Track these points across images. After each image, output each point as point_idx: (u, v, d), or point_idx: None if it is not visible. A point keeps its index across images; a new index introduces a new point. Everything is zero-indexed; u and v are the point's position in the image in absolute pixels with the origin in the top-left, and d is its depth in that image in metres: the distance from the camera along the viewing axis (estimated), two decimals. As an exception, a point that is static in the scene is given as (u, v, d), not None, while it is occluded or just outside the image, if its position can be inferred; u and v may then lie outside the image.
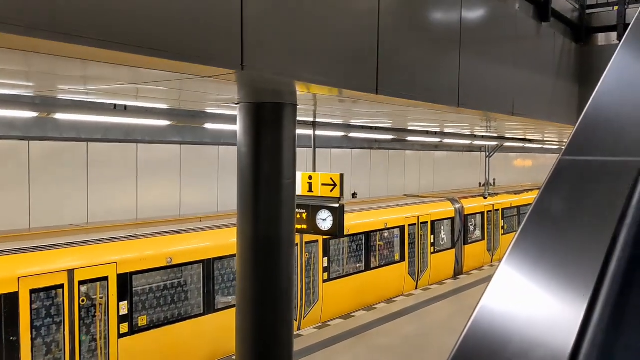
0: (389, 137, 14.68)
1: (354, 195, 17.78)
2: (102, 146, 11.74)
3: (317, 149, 15.62)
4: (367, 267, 13.32)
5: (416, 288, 14.93)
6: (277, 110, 4.72)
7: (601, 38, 7.93)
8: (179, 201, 13.19)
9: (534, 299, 0.48)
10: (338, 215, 8.66)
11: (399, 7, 4.44)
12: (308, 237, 11.16)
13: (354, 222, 13.26)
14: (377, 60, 4.08)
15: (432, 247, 15.74)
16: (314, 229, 8.77)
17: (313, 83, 3.58)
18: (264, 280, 4.72)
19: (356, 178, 18.20)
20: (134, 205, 12.52)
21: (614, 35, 7.51)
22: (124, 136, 11.87)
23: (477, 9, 5.53)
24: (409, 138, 15.64)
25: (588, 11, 7.84)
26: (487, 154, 16.74)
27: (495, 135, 11.68)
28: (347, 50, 3.89)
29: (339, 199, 8.70)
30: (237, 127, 4.83)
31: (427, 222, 15.52)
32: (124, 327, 8.41)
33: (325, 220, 8.75)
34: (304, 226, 8.89)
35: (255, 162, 4.76)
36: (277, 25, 3.23)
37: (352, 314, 12.55)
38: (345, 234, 12.75)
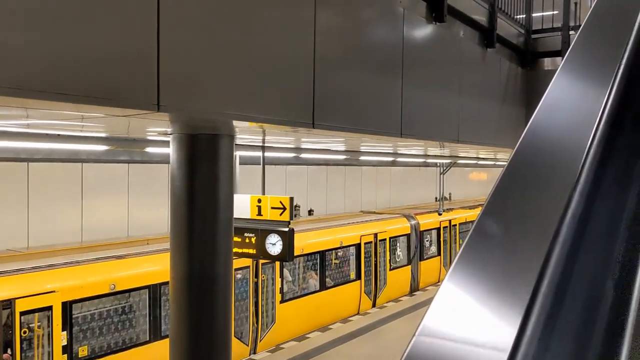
0: (342, 157, 14.60)
1: (310, 212, 17.62)
2: (44, 166, 11.25)
3: (272, 166, 15.41)
4: (323, 287, 13.14)
5: (374, 306, 14.84)
6: (212, 142, 4.51)
7: (547, 62, 8.03)
8: (127, 222, 12.74)
9: (471, 318, 0.49)
10: (288, 239, 8.47)
11: (336, 37, 4.31)
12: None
13: (310, 241, 13.09)
14: (312, 92, 3.93)
15: (389, 265, 15.69)
16: (263, 254, 8.55)
17: (241, 120, 3.39)
18: (199, 323, 4.47)
19: (313, 194, 18.05)
20: (78, 226, 12.03)
21: (559, 59, 7.59)
22: (68, 156, 11.40)
23: (420, 37, 5.46)
24: (362, 158, 15.61)
25: (534, 36, 7.93)
26: (441, 170, 16.85)
27: (448, 154, 11.73)
28: (278, 84, 3.72)
29: (289, 222, 8.51)
30: (170, 160, 4.59)
31: (383, 240, 15.47)
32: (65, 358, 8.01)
33: (274, 245, 8.55)
34: (253, 251, 8.66)
35: (190, 196, 4.53)
36: (198, 61, 3.04)
37: (307, 335, 12.33)
38: (301, 253, 12.58)
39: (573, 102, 0.74)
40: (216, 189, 4.58)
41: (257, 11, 3.50)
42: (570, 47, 0.85)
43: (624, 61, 0.76)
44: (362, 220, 15.73)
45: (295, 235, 12.71)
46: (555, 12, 8.01)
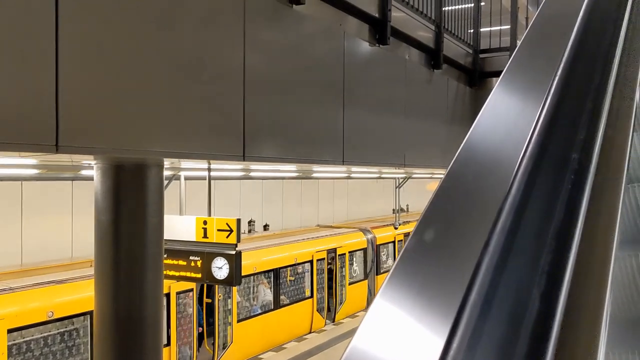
0: (294, 174, 14.40)
1: (265, 227, 17.31)
2: (-21, 185, 10.65)
3: (226, 180, 15.05)
4: (277, 306, 12.87)
5: (334, 321, 14.65)
6: (139, 172, 4.22)
7: (495, 82, 7.99)
8: (70, 243, 12.19)
9: (399, 337, 0.49)
10: (235, 262, 8.18)
11: (269, 60, 4.09)
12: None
13: (265, 259, 12.80)
14: (242, 121, 3.70)
15: (345, 280, 15.53)
16: (209, 278, 8.24)
17: (158, 156, 3.13)
18: (124, 367, 4.16)
19: (268, 208, 17.74)
20: (18, 247, 11.43)
21: (507, 78, 7.54)
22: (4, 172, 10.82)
23: (363, 60, 5.30)
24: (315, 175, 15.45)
25: (482, 55, 7.91)
26: (397, 184, 16.83)
27: (402, 171, 11.66)
28: (201, 113, 3.48)
29: (236, 245, 8.23)
30: (94, 191, 4.27)
31: (341, 255, 15.32)
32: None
33: (221, 269, 8.24)
34: (199, 275, 8.34)
35: (115, 231, 4.22)
36: (103, 96, 2.77)
37: (260, 356, 12.03)
38: (253, 272, 12.28)
39: (507, 119, 0.76)
40: (144, 222, 4.29)
41: (174, 34, 3.26)
42: (507, 65, 0.87)
43: (556, 79, 0.78)
44: (318, 235, 15.52)
45: (248, 253, 12.46)
46: (506, 27, 8.01)
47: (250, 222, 16.79)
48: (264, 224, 17.35)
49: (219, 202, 15.02)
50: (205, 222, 8.38)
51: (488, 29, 8.00)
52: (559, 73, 0.81)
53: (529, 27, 0.99)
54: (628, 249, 1.11)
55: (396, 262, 0.56)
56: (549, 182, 0.64)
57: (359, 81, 5.21)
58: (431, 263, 0.56)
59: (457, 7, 7.37)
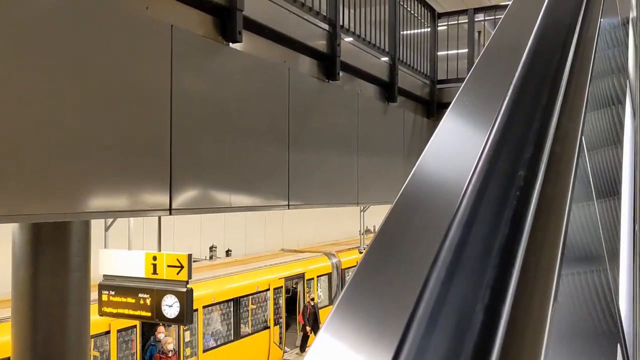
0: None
1: (228, 252, 16.85)
2: None
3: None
4: (238, 336, 12.47)
5: (302, 350, 14.27)
6: (61, 225, 3.86)
7: (453, 111, 7.86)
8: None
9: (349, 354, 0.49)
10: (186, 300, 7.79)
11: (202, 102, 3.81)
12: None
13: (227, 287, 12.39)
14: (169, 169, 3.40)
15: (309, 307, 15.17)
16: (159, 317, 7.81)
17: (67, 219, 2.81)
18: None
19: (231, 232, 17.29)
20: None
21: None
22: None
23: (310, 97, 5.06)
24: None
25: (439, 86, 7.77)
26: (362, 208, 16.63)
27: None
28: (123, 165, 3.17)
29: (187, 282, 7.85)
30: (12, 244, 3.90)
31: (304, 280, 15.00)
32: None
33: (171, 307, 7.83)
34: (148, 313, 7.91)
35: (33, 286, 3.85)
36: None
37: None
38: (212, 302, 11.85)
39: (458, 141, 0.79)
40: (66, 277, 3.93)
41: (88, 83, 2.96)
42: (460, 89, 0.87)
43: (506, 100, 0.82)
44: (282, 261, 15.16)
45: (207, 282, 12.02)
46: (464, 50, 7.88)
47: (211, 248, 16.33)
48: (227, 249, 16.90)
49: (178, 227, 14.55)
50: (154, 258, 7.98)
51: (446, 52, 7.88)
52: (508, 94, 0.83)
53: (481, 53, 1.00)
54: (591, 265, 1.16)
55: (345, 286, 0.56)
56: (495, 199, 0.65)
57: (306, 119, 4.96)
58: (382, 281, 0.56)
59: (413, 32, 7.23)
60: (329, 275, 16.52)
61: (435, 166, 0.74)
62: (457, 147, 0.78)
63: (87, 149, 2.99)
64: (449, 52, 7.89)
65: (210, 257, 16.07)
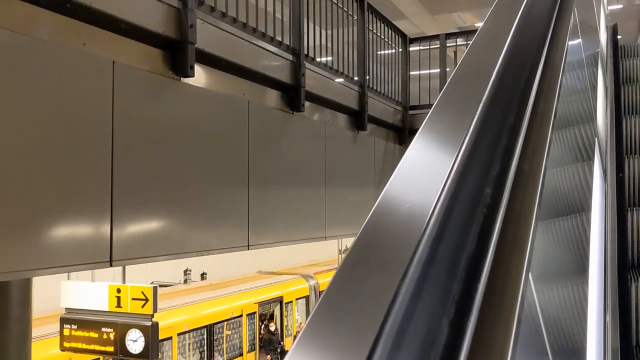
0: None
1: (203, 275, 16.45)
2: None
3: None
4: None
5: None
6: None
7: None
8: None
9: None
10: (151, 335, 7.45)
11: (147, 139, 3.56)
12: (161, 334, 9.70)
13: (201, 313, 12.03)
14: (110, 215, 3.13)
15: (285, 331, 14.85)
16: (123, 352, 7.46)
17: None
18: None
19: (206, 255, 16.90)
20: None
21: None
22: None
23: (272, 130, 4.84)
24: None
25: (411, 112, 7.62)
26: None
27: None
28: (60, 212, 2.90)
29: (152, 315, 7.52)
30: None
31: (281, 304, 14.68)
32: None
33: (135, 342, 7.48)
34: (111, 348, 7.55)
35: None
36: None
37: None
38: (184, 330, 11.47)
39: (427, 160, 0.80)
40: (5, 331, 3.62)
41: (20, 124, 2.70)
42: (426, 118, 0.87)
43: (474, 120, 0.82)
44: (258, 285, 14.83)
45: (178, 309, 11.65)
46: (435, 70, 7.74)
47: (186, 272, 15.94)
48: (202, 272, 16.50)
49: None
50: (118, 290, 7.65)
51: (418, 71, 7.73)
52: (477, 114, 0.84)
53: (451, 75, 1.01)
54: (572, 279, 1.21)
55: (307, 321, 0.56)
56: (462, 216, 0.66)
57: (269, 153, 4.73)
58: (352, 294, 0.57)
59: (384, 58, 7.08)
60: (307, 297, 16.22)
61: (405, 186, 0.75)
62: (427, 166, 0.78)
63: (17, 197, 2.73)
64: (422, 72, 7.75)
65: (185, 281, 15.66)
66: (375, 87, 6.65)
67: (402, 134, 7.44)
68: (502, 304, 0.56)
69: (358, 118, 6.23)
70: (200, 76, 3.97)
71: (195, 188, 3.92)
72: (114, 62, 3.21)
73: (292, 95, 4.98)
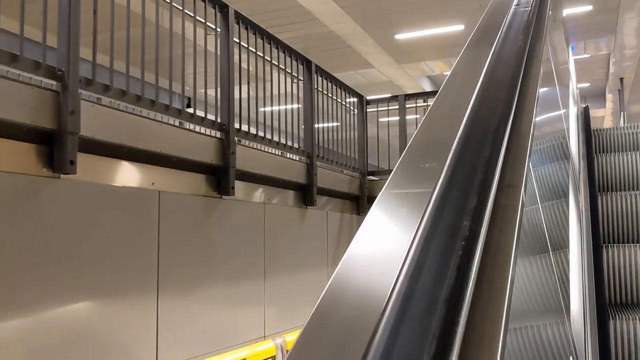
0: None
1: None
2: None
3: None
4: None
5: None
6: None
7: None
8: None
9: None
10: None
11: (24, 244, 2.80)
12: None
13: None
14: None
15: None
16: None
17: None
18: None
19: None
20: None
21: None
22: None
23: (193, 219, 4.11)
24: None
25: (370, 178, 6.97)
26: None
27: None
28: None
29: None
30: None
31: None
32: None
33: None
34: None
35: None
36: None
37: None
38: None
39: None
40: None
41: None
42: (381, 192, 0.81)
43: (448, 158, 0.81)
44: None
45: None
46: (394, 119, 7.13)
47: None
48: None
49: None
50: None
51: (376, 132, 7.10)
52: (451, 151, 0.84)
53: (408, 145, 0.94)
54: (551, 318, 1.22)
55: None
56: (440, 249, 0.64)
57: (187, 248, 3.99)
58: (334, 329, 0.55)
59: (338, 121, 6.44)
60: (274, 358, 15.24)
61: (385, 220, 0.74)
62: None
63: None
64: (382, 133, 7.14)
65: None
66: (326, 156, 5.99)
67: (360, 202, 6.77)
68: (483, 337, 0.56)
69: (306, 192, 5.53)
70: (92, 169, 3.24)
71: (85, 293, 3.15)
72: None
73: (221, 177, 4.28)
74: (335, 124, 6.27)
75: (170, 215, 3.78)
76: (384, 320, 0.53)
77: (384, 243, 0.70)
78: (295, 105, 5.57)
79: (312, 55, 12.53)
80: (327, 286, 0.62)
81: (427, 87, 15.18)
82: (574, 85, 4.62)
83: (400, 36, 11.06)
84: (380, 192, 0.77)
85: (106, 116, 3.27)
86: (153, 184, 3.69)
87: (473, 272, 0.61)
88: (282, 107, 5.24)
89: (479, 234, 0.67)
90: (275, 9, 10.03)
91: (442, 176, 0.77)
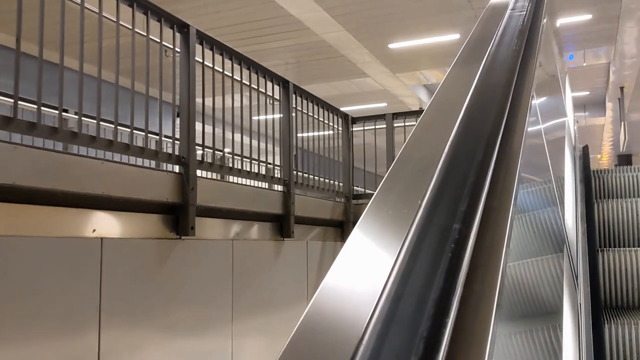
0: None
1: None
2: None
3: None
4: None
5: None
6: None
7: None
8: None
9: None
10: None
11: None
12: None
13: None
14: None
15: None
16: None
17: None
18: None
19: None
20: None
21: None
22: None
23: (143, 265, 3.67)
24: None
25: (356, 201, 6.54)
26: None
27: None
28: None
29: None
30: None
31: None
32: None
33: None
34: None
35: None
36: None
37: None
38: None
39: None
40: None
41: None
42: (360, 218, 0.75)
43: (440, 164, 0.82)
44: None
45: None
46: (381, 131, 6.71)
47: None
48: None
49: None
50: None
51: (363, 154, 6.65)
52: (442, 159, 0.83)
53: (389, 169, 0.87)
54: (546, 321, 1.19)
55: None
56: (431, 251, 0.65)
57: (135, 299, 3.55)
58: (322, 337, 0.53)
59: (319, 143, 6.00)
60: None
61: (376, 222, 0.71)
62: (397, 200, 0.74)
63: None
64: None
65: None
66: (306, 183, 5.55)
67: (345, 228, 6.32)
68: (471, 338, 0.56)
69: (283, 223, 5.09)
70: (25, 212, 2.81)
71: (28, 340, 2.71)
72: None
73: (180, 215, 3.84)
74: (316, 146, 5.83)
75: (115, 260, 3.34)
76: (362, 347, 0.52)
77: (361, 272, 0.65)
78: (270, 130, 5.13)
79: (304, 64, 12.14)
80: (303, 315, 0.56)
81: (424, 96, 14.77)
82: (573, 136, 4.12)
83: (394, 45, 10.65)
84: (361, 216, 0.73)
85: (23, 156, 2.83)
86: (94, 230, 3.25)
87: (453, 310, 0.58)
88: (255, 131, 4.82)
89: (463, 257, 0.65)
90: (265, 18, 9.63)
91: (427, 195, 0.77)
